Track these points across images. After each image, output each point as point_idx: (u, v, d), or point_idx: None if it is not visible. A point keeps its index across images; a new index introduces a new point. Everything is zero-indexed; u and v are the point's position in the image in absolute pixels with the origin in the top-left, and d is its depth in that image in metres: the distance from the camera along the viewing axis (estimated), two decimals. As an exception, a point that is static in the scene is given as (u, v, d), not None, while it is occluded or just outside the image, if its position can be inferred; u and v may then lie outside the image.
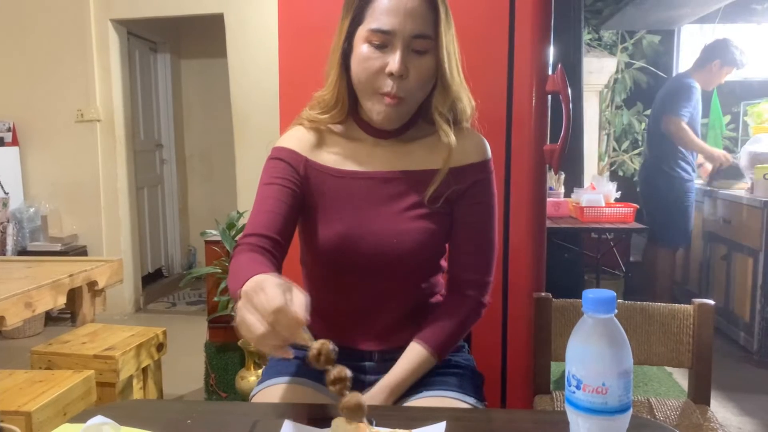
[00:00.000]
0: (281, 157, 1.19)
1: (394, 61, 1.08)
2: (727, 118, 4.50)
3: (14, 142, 4.31)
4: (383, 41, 1.09)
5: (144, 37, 5.00)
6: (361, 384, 1.22)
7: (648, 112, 4.70)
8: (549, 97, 1.90)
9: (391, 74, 1.09)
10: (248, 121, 3.98)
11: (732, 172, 3.81)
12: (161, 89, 5.39)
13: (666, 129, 3.64)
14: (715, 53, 3.65)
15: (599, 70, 4.76)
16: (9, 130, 4.30)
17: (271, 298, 0.81)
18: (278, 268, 1.09)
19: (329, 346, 0.85)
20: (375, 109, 1.13)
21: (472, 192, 1.20)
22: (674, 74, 4.63)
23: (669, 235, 3.82)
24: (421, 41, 1.10)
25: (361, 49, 1.11)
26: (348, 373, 0.85)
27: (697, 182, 4.07)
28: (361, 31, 1.11)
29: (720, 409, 2.76)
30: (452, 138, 1.16)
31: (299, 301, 0.84)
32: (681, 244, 3.93)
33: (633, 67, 4.78)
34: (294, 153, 1.19)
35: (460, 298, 1.20)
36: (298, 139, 1.21)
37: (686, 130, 3.62)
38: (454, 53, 1.15)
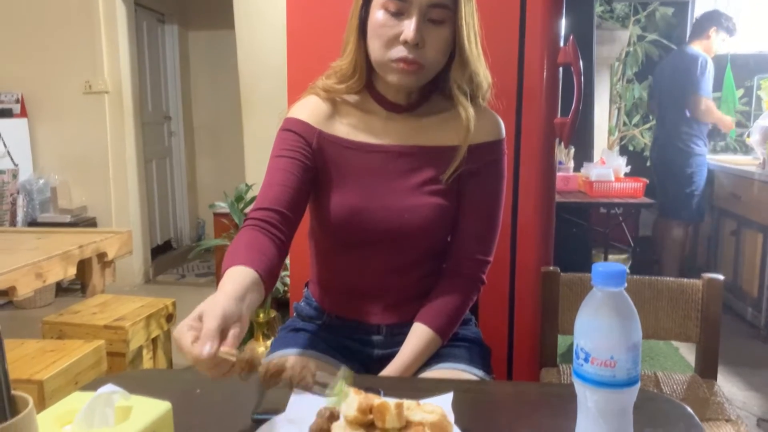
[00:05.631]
0: (293, 129, 1.17)
1: (409, 29, 1.06)
2: (740, 91, 4.44)
3: (23, 113, 4.32)
4: (399, 8, 1.07)
5: (151, 8, 4.96)
6: (369, 358, 1.22)
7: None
8: (560, 69, 1.88)
9: (405, 42, 1.07)
10: (256, 93, 3.96)
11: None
12: (169, 61, 5.36)
13: (695, 108, 3.76)
14: (711, 21, 3.81)
15: (611, 42, 4.69)
16: (17, 101, 4.30)
17: (187, 350, 0.80)
18: (283, 245, 1.08)
19: (248, 355, 0.82)
20: (389, 75, 1.11)
21: (484, 172, 1.19)
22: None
23: (684, 210, 3.88)
24: (439, 11, 1.08)
25: (377, 15, 1.09)
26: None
27: (710, 157, 4.06)
28: None
29: (726, 384, 2.77)
30: (471, 112, 1.14)
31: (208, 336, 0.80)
32: (695, 219, 3.96)
33: (645, 40, 4.71)
34: (306, 125, 1.17)
35: (460, 278, 1.20)
36: (311, 109, 1.19)
37: (713, 106, 3.82)
38: (473, 25, 1.12)
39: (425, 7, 1.07)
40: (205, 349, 0.78)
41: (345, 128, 1.18)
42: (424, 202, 1.15)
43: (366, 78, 1.17)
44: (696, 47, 3.82)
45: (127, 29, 4.35)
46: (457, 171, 1.16)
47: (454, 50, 1.13)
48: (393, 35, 1.08)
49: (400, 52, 1.08)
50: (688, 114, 3.78)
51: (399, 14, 1.08)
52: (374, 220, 1.14)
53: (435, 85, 1.18)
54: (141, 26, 4.76)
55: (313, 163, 1.16)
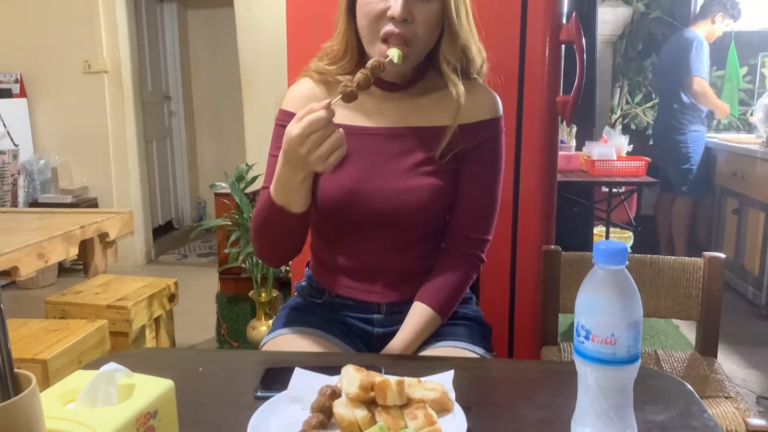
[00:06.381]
0: (286, 126, 1.17)
1: (396, 4, 1.05)
2: (744, 69, 4.40)
3: (22, 93, 4.30)
4: None
5: (150, -14, 4.92)
6: (369, 336, 1.23)
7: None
8: (563, 47, 1.86)
9: (392, 18, 1.05)
10: (256, 72, 3.93)
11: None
12: (168, 40, 5.32)
13: (692, 89, 3.82)
14: (718, 6, 3.86)
15: (614, 19, 4.64)
16: (17, 81, 4.27)
17: (308, 117, 0.98)
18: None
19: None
20: (379, 52, 1.09)
21: (481, 150, 1.18)
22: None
23: (684, 185, 3.96)
24: None
25: None
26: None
27: (710, 135, 4.05)
28: None
29: (726, 362, 2.78)
30: (461, 88, 1.13)
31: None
32: (696, 193, 4.01)
33: (649, 17, 4.65)
34: None
35: (459, 257, 1.20)
36: (303, 96, 1.18)
37: (708, 88, 3.87)
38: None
39: None
40: (319, 104, 0.97)
41: (339, 111, 1.17)
42: (420, 183, 1.14)
43: (358, 58, 1.16)
44: (696, 30, 3.87)
45: (126, 8, 4.31)
46: (453, 150, 1.15)
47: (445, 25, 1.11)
48: (379, 11, 1.07)
49: (388, 28, 1.07)
50: (683, 97, 3.86)
51: None
52: (370, 202, 1.14)
53: (430, 63, 1.17)
54: (140, 5, 4.71)
55: None
